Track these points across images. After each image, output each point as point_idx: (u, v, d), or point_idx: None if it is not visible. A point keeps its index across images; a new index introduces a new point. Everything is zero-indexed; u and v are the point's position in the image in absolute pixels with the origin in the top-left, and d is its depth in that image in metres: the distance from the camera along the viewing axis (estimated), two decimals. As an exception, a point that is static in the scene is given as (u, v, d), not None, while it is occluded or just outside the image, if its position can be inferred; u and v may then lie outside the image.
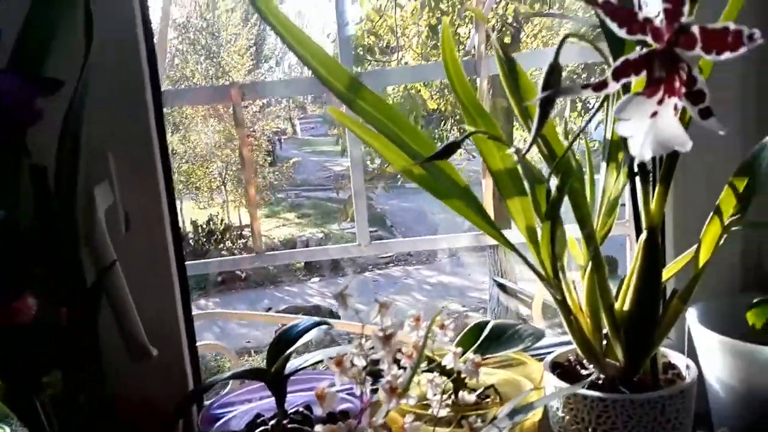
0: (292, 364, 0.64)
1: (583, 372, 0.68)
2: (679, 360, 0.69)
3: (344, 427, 0.49)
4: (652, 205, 0.60)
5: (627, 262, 1.00)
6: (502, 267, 5.05)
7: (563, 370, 0.69)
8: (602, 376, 0.65)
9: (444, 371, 0.53)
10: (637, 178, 0.61)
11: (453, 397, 0.55)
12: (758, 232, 0.80)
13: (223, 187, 8.32)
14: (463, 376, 0.48)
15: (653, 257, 0.60)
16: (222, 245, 7.86)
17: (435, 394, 0.51)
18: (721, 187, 0.61)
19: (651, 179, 0.61)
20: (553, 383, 0.66)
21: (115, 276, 0.56)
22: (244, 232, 7.98)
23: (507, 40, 4.47)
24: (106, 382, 0.60)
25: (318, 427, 0.44)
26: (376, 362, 0.45)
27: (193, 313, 0.96)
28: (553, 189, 0.58)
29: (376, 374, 0.45)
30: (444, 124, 6.47)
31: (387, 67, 4.80)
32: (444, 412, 0.51)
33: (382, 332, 0.42)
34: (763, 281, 0.77)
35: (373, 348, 0.44)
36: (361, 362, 0.44)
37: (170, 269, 0.66)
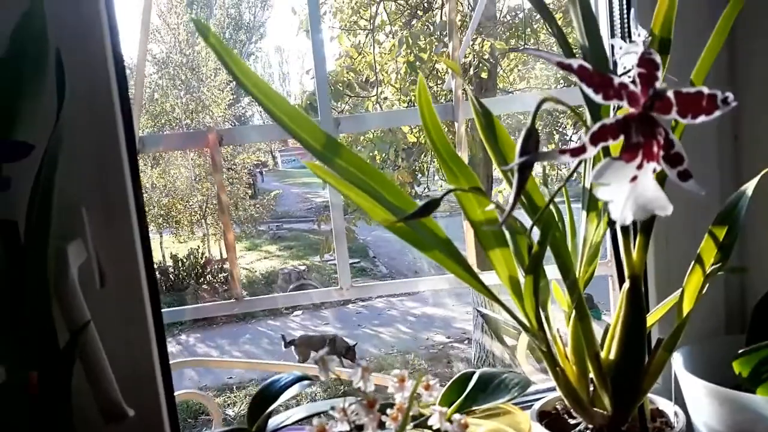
0: (274, 421, 0.62)
1: (571, 421, 0.67)
2: (667, 407, 0.68)
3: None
4: (634, 255, 0.60)
5: (611, 300, 1.00)
6: (485, 298, 5.03)
7: (550, 419, 0.68)
8: (590, 426, 0.64)
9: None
10: (618, 228, 0.61)
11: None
12: (740, 276, 0.81)
13: (203, 220, 8.26)
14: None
15: (637, 306, 0.60)
16: (203, 279, 7.77)
17: (421, 455, 0.50)
18: (702, 234, 0.61)
19: (632, 229, 0.62)
20: (540, 434, 0.65)
21: (90, 335, 0.54)
22: (224, 266, 7.90)
23: (484, 75, 4.53)
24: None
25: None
26: (360, 428, 0.44)
27: (172, 361, 0.94)
28: (535, 239, 0.58)
29: (359, 438, 0.44)
30: (424, 156, 6.52)
31: (366, 100, 4.84)
32: (431, 472, 0.50)
33: (366, 399, 0.41)
34: (747, 324, 0.77)
35: (357, 414, 0.43)
36: (344, 427, 0.43)
37: (147, 323, 0.65)
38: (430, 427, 0.52)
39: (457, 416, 0.47)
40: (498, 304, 0.59)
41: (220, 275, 7.86)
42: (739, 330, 0.81)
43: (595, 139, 0.35)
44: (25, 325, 0.54)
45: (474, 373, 0.67)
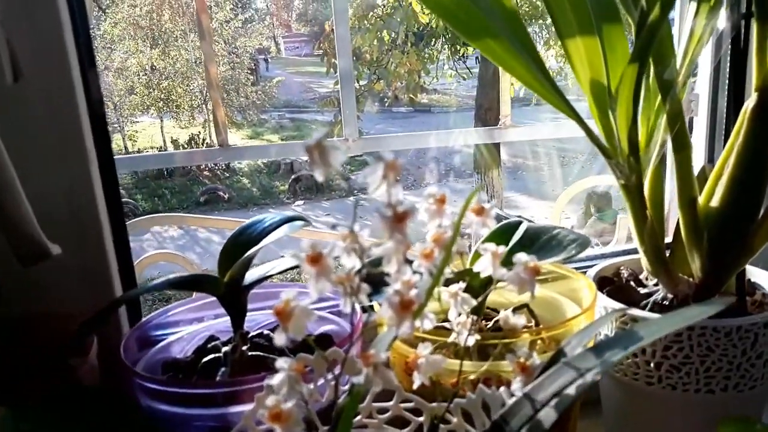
0: (253, 274, 0.47)
1: (641, 290, 0.52)
2: (765, 278, 0.53)
3: (323, 359, 0.32)
4: (769, 57, 0.42)
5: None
6: (490, 193, 4.94)
7: (613, 288, 0.53)
8: (669, 295, 0.49)
9: (474, 283, 0.36)
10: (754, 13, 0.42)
11: (476, 319, 0.38)
12: None
13: (204, 105, 8.03)
14: (505, 287, 0.31)
15: (764, 132, 0.43)
16: (204, 165, 7.66)
17: (460, 314, 0.34)
18: None
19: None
20: (603, 305, 0.50)
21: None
22: (226, 153, 7.73)
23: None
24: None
25: (281, 362, 0.27)
26: (377, 263, 0.28)
27: (146, 217, 0.78)
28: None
29: (376, 280, 0.28)
30: (434, 43, 6.14)
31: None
32: (472, 340, 0.35)
33: (391, 209, 0.25)
34: None
35: (372, 239, 0.27)
36: (353, 261, 0.27)
37: (82, 140, 0.48)
38: (475, 278, 0.37)
39: (523, 257, 0.31)
40: (574, 119, 0.41)
41: (221, 163, 7.75)
42: None
43: None
44: None
45: (520, 222, 0.51)
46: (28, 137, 0.47)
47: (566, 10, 0.40)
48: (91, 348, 0.42)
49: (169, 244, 5.57)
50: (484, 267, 0.32)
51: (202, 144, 7.77)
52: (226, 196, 7.02)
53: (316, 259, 0.25)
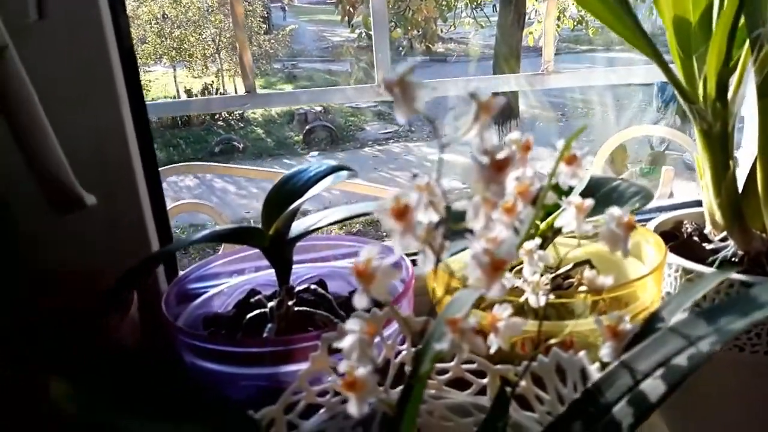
0: (300, 224, 0.44)
1: (707, 246, 0.49)
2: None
3: (378, 318, 0.30)
4: None
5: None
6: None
7: (677, 243, 0.50)
8: (740, 252, 0.46)
9: (550, 234, 0.33)
10: None
11: (551, 278, 0.35)
12: None
13: (217, 55, 7.91)
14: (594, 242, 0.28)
15: None
16: (218, 115, 7.61)
17: (535, 272, 0.31)
18: None
19: None
20: (667, 262, 0.47)
21: (13, 77, 0.34)
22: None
23: None
24: (18, 244, 0.40)
25: (352, 323, 0.25)
26: (458, 216, 0.25)
27: (173, 165, 0.76)
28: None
29: (456, 237, 0.25)
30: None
31: None
32: (543, 300, 0.32)
33: (491, 155, 0.21)
34: None
35: (455, 191, 0.24)
36: (430, 217, 0.24)
37: (113, 85, 0.44)
38: (556, 231, 0.34)
39: (616, 210, 0.27)
40: (653, 58, 0.37)
41: (235, 112, 7.70)
42: None
43: None
44: None
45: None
46: (56, 78, 0.44)
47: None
48: (132, 304, 0.40)
49: (186, 194, 5.57)
50: (567, 221, 0.29)
51: (216, 94, 7.69)
52: (241, 146, 6.99)
53: (402, 213, 0.22)
